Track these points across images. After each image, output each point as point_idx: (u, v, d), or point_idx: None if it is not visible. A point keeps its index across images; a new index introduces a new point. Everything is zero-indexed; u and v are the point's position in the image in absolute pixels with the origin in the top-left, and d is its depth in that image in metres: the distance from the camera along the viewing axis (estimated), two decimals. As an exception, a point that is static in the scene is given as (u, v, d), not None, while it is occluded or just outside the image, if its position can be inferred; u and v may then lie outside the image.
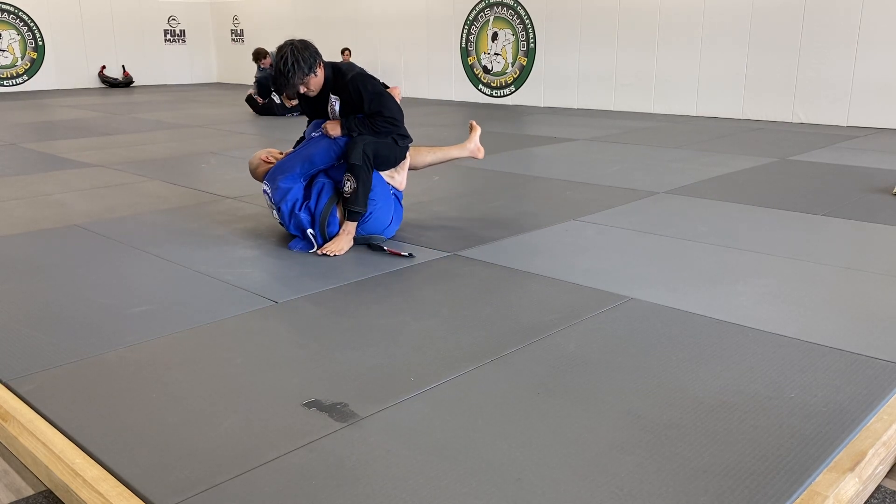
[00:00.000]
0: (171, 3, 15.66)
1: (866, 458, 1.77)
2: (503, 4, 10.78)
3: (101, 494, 1.67)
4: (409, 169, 3.96)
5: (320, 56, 3.50)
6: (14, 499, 1.82)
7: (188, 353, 2.42)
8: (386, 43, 12.47)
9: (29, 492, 1.85)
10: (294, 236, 3.60)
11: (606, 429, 1.90)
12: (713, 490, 1.64)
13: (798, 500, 1.61)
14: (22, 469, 1.95)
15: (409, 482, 1.68)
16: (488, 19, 11.03)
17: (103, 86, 14.67)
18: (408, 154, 3.86)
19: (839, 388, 2.10)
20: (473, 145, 4.14)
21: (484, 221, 4.07)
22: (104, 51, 14.72)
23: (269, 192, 3.61)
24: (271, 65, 9.99)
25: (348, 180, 3.47)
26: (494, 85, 11.18)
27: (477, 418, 1.96)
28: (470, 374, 2.22)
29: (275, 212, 3.62)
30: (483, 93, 11.35)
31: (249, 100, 10.00)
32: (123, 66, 14.94)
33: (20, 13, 13.71)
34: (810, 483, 1.67)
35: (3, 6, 13.53)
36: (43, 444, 1.88)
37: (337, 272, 3.21)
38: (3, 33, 13.58)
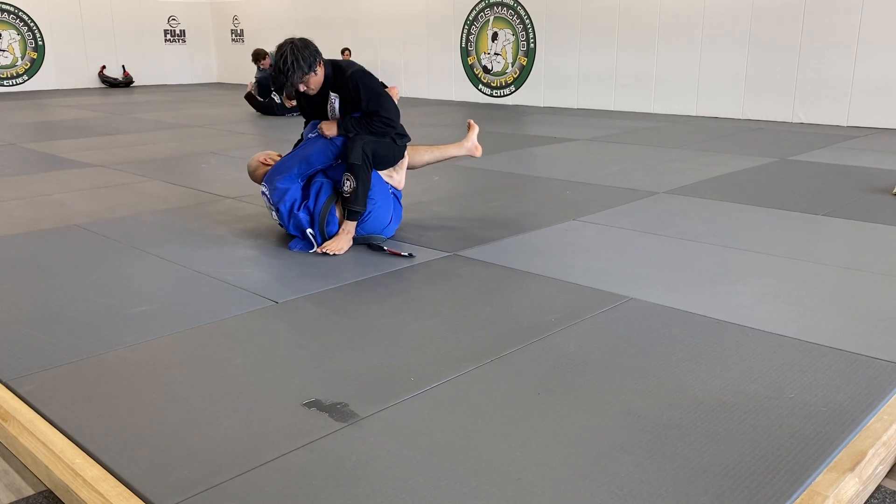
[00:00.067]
0: (171, 3, 15.66)
1: (866, 458, 1.77)
2: (503, 4, 10.78)
3: (101, 494, 1.67)
4: (408, 168, 3.96)
5: (320, 54, 3.50)
6: (14, 499, 1.83)
7: (188, 353, 2.42)
8: (386, 43, 12.47)
9: (29, 492, 1.85)
10: (294, 236, 3.60)
11: (606, 429, 1.90)
12: (713, 490, 1.64)
13: (798, 500, 1.61)
14: (22, 469, 1.95)
15: (409, 482, 1.68)
16: (488, 19, 11.03)
17: (103, 86, 14.67)
18: (406, 153, 3.86)
19: (839, 388, 2.10)
20: (471, 144, 4.14)
21: (484, 221, 4.07)
22: (104, 51, 14.72)
23: (267, 193, 3.61)
24: (271, 65, 10.02)
25: (348, 180, 3.47)
26: (494, 85, 11.18)
27: (477, 418, 1.96)
28: (470, 374, 2.22)
29: (274, 213, 3.63)
30: (483, 93, 11.35)
31: (249, 97, 10.00)
32: (123, 66, 14.94)
33: (20, 13, 13.71)
34: (810, 483, 1.67)
35: (3, 6, 13.53)
36: (43, 444, 1.88)
37: (337, 272, 3.21)
38: (3, 33, 13.58)
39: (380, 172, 3.71)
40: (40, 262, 3.41)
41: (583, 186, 4.97)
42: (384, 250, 3.47)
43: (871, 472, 1.78)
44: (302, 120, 3.95)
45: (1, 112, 10.24)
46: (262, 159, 3.86)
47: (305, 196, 3.57)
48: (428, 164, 4.17)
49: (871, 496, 1.81)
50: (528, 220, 4.10)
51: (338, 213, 3.57)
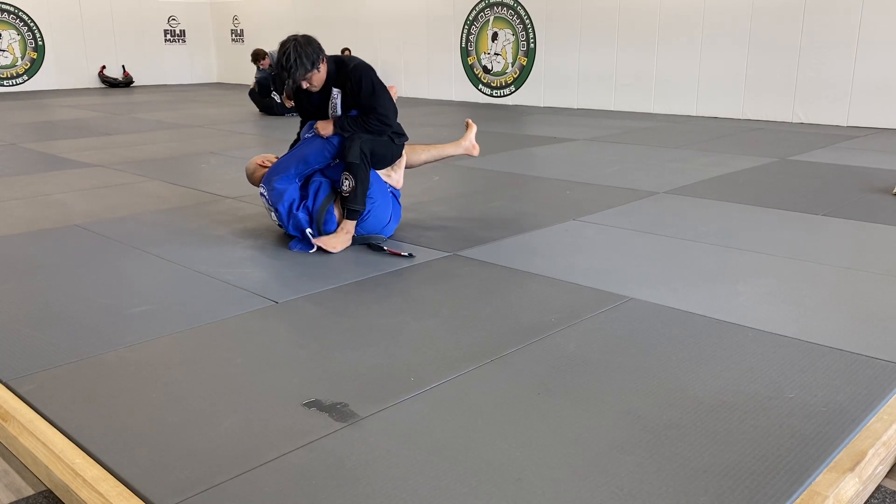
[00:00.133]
0: (171, 3, 15.65)
1: (866, 458, 1.77)
2: (503, 4, 10.78)
3: (101, 494, 1.67)
4: (405, 167, 3.96)
5: (323, 51, 3.49)
6: (14, 499, 1.83)
7: (188, 353, 2.42)
8: (386, 43, 12.47)
9: (29, 492, 1.85)
10: (294, 237, 3.60)
11: (606, 429, 1.90)
12: (713, 490, 1.64)
13: (798, 500, 1.61)
14: (22, 469, 1.95)
15: (409, 482, 1.68)
16: (488, 19, 11.03)
17: (103, 86, 14.67)
18: (403, 152, 3.86)
19: (839, 388, 2.10)
20: (469, 143, 4.15)
21: (484, 221, 4.07)
22: (104, 51, 14.71)
23: (265, 194, 3.61)
24: (270, 65, 10.02)
25: (346, 179, 3.48)
26: (494, 85, 11.18)
27: (477, 418, 1.96)
28: (470, 374, 2.22)
29: (273, 214, 3.63)
30: (483, 93, 11.35)
31: (252, 94, 10.01)
32: (123, 66, 14.93)
33: (20, 13, 13.71)
34: (810, 483, 1.67)
35: (3, 6, 13.53)
36: (43, 444, 1.88)
37: (337, 272, 3.21)
38: (3, 33, 13.57)
39: (378, 172, 3.71)
40: (40, 262, 3.41)
41: (583, 186, 4.97)
42: (384, 250, 3.47)
43: (871, 472, 1.78)
44: (300, 119, 3.95)
45: (1, 112, 10.24)
46: (259, 161, 3.87)
47: (304, 196, 3.57)
48: (425, 163, 4.17)
49: (871, 496, 1.81)
50: (528, 220, 4.10)
51: (336, 213, 3.58)
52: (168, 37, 15.70)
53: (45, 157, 6.45)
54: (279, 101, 9.61)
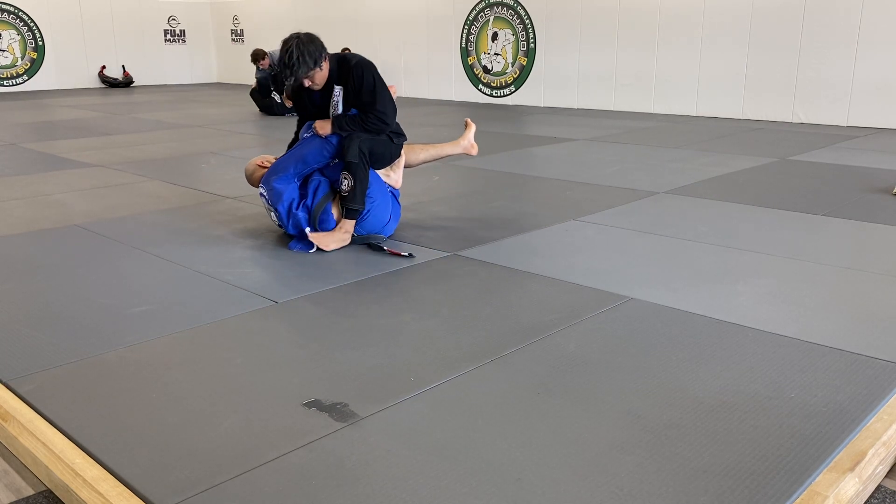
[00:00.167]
0: (171, 3, 15.65)
1: (866, 458, 1.77)
2: (503, 4, 10.78)
3: (101, 494, 1.67)
4: (404, 166, 3.97)
5: (325, 49, 3.48)
6: (14, 499, 1.83)
7: (188, 353, 2.42)
8: (386, 43, 12.46)
9: (29, 492, 1.85)
10: (293, 236, 3.60)
11: (606, 429, 1.90)
12: (713, 490, 1.64)
13: (798, 500, 1.61)
14: (22, 469, 1.95)
15: (409, 482, 1.68)
16: (488, 19, 11.03)
17: (103, 86, 14.67)
18: (402, 152, 3.87)
19: (839, 388, 2.10)
20: (467, 142, 4.15)
21: (484, 221, 4.07)
22: (104, 51, 14.71)
23: (265, 194, 3.61)
24: (270, 65, 10.01)
25: (345, 178, 3.48)
26: (494, 85, 11.18)
27: (477, 418, 1.96)
28: (470, 374, 2.22)
29: (273, 214, 3.63)
30: (483, 93, 11.35)
31: (253, 94, 10.01)
32: (123, 66, 14.93)
33: (20, 13, 13.71)
34: (810, 483, 1.67)
35: (3, 6, 13.53)
36: (43, 444, 1.88)
37: (337, 272, 3.21)
38: (3, 33, 13.57)
39: (377, 171, 3.71)
40: (40, 262, 3.41)
41: (583, 186, 4.97)
42: (384, 250, 3.47)
43: (871, 472, 1.78)
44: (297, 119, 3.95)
45: (1, 112, 10.24)
46: (258, 162, 3.87)
47: (303, 195, 3.58)
48: (424, 162, 4.17)
49: (871, 496, 1.81)
50: (528, 220, 4.10)
51: (335, 213, 3.57)
52: (168, 37, 15.70)
53: (45, 157, 6.45)
54: (279, 100, 9.60)
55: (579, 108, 10.15)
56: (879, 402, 2.02)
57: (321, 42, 3.46)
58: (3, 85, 13.68)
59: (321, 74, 3.47)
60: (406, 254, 3.42)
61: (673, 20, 8.99)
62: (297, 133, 3.84)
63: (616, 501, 1.61)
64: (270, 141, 7.35)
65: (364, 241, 3.59)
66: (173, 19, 15.73)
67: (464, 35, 11.39)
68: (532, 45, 10.56)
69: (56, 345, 2.47)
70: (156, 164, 6.04)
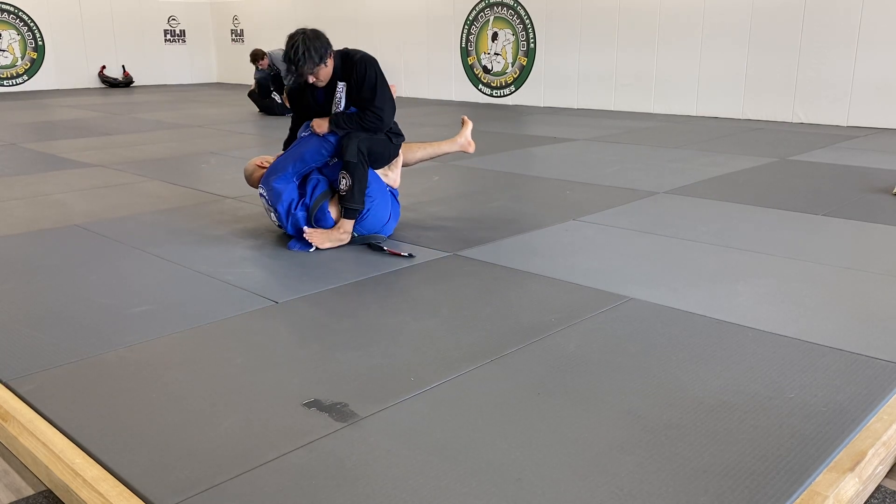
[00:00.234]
0: (171, 3, 15.65)
1: (866, 458, 1.77)
2: (503, 4, 10.78)
3: (101, 494, 1.67)
4: (401, 165, 3.97)
5: (331, 46, 3.48)
6: (14, 499, 1.83)
7: (188, 353, 2.42)
8: (386, 43, 12.46)
9: (29, 492, 1.85)
10: (293, 236, 3.60)
11: (606, 429, 1.90)
12: (713, 490, 1.64)
13: (798, 500, 1.61)
14: (22, 469, 1.95)
15: (409, 482, 1.68)
16: (488, 19, 11.03)
17: (103, 86, 14.67)
18: (400, 151, 3.87)
19: (839, 388, 2.10)
20: (464, 140, 4.16)
21: (484, 221, 4.07)
22: (104, 51, 14.71)
23: (264, 194, 3.61)
24: (269, 65, 10.01)
25: (344, 178, 3.48)
26: (494, 85, 11.18)
27: (477, 418, 1.96)
28: (470, 374, 2.22)
29: (272, 214, 3.63)
30: (483, 93, 11.35)
31: (252, 95, 10.00)
32: (123, 66, 14.93)
33: (20, 13, 13.71)
34: (810, 483, 1.67)
35: (3, 6, 13.53)
36: (43, 444, 1.88)
37: (337, 272, 3.21)
38: (3, 33, 13.57)
39: (375, 171, 3.72)
40: (40, 262, 3.41)
41: (583, 186, 4.97)
42: (384, 250, 3.47)
43: (871, 472, 1.78)
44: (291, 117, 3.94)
45: (1, 112, 10.24)
46: (258, 162, 3.87)
47: (302, 194, 3.58)
48: (421, 160, 4.18)
49: (871, 496, 1.81)
50: (528, 220, 4.10)
51: (333, 212, 3.57)
52: (168, 37, 15.70)
53: (45, 157, 6.45)
54: (279, 101, 9.60)
55: (579, 108, 10.15)
56: (879, 402, 2.02)
57: (326, 38, 3.45)
58: (3, 85, 13.68)
59: (326, 71, 3.47)
60: (406, 254, 3.42)
61: (673, 20, 8.99)
62: (291, 131, 3.84)
63: (616, 501, 1.61)
64: (270, 141, 7.35)
65: (364, 241, 3.59)
66: (173, 19, 15.73)
67: (464, 35, 11.39)
68: (532, 45, 10.56)
69: (56, 345, 2.47)
70: (156, 164, 6.04)
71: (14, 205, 4.61)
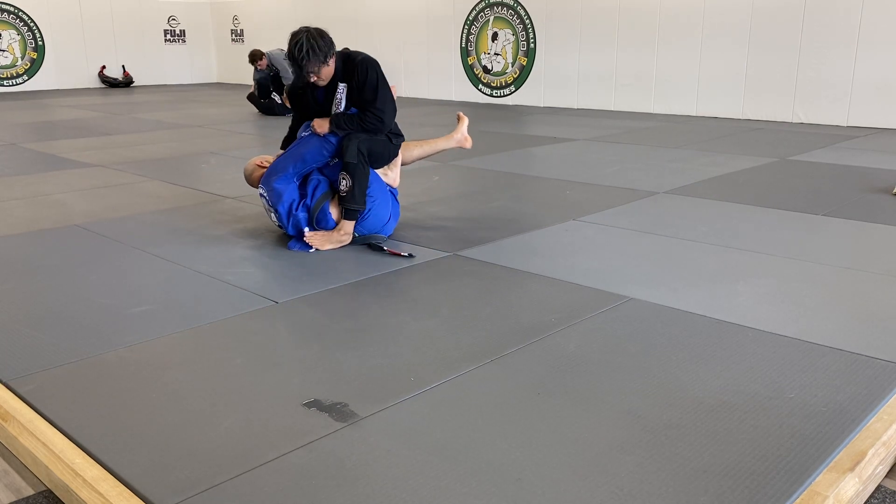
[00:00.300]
0: (171, 3, 15.65)
1: (866, 458, 1.77)
2: (503, 4, 10.78)
3: (101, 494, 1.67)
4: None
5: (334, 46, 3.49)
6: (14, 499, 1.83)
7: (188, 353, 2.42)
8: (386, 43, 12.46)
9: (29, 492, 1.85)
10: (293, 237, 3.60)
11: (606, 429, 1.90)
12: (713, 490, 1.64)
13: (798, 500, 1.61)
14: (22, 469, 1.95)
15: (409, 482, 1.68)
16: (488, 19, 11.03)
17: (103, 86, 14.66)
18: (399, 151, 3.87)
19: (839, 388, 2.10)
20: (461, 135, 4.16)
21: (484, 221, 4.07)
22: (104, 51, 14.71)
23: (265, 194, 3.61)
24: (268, 65, 9.99)
25: (344, 178, 3.48)
26: (494, 85, 11.18)
27: (477, 418, 1.96)
28: (470, 374, 2.22)
29: (273, 215, 3.63)
30: (483, 93, 11.35)
31: (251, 97, 10.00)
32: (123, 66, 14.93)
33: (20, 13, 13.71)
34: (810, 483, 1.67)
35: (3, 6, 13.53)
36: (43, 444, 1.88)
37: (337, 272, 3.21)
38: (3, 33, 13.57)
39: (375, 170, 3.72)
40: (40, 262, 3.41)
41: (583, 186, 4.97)
42: (384, 250, 3.47)
43: (871, 472, 1.78)
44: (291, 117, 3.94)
45: (1, 112, 10.24)
46: (258, 162, 3.87)
47: (303, 195, 3.57)
48: (419, 158, 4.18)
49: (871, 496, 1.81)
50: (528, 220, 4.10)
51: (334, 213, 3.57)
52: (168, 37, 15.70)
53: (45, 157, 6.45)
54: (279, 101, 9.60)
55: (579, 108, 10.15)
56: (879, 402, 2.02)
57: (330, 38, 3.45)
58: (3, 85, 13.68)
59: (328, 70, 3.47)
60: (406, 254, 3.42)
61: (673, 20, 8.99)
62: (291, 130, 3.84)
63: (616, 501, 1.61)
64: (270, 141, 7.35)
65: (364, 241, 3.59)
66: (173, 19, 15.73)
67: (464, 35, 11.39)
68: (532, 45, 10.56)
69: (56, 345, 2.47)
70: (156, 164, 6.04)
71: (14, 205, 4.61)
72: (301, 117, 3.78)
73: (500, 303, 2.82)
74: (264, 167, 3.79)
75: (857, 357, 2.30)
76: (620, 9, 9.45)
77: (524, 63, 10.72)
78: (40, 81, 14.04)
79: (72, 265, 3.35)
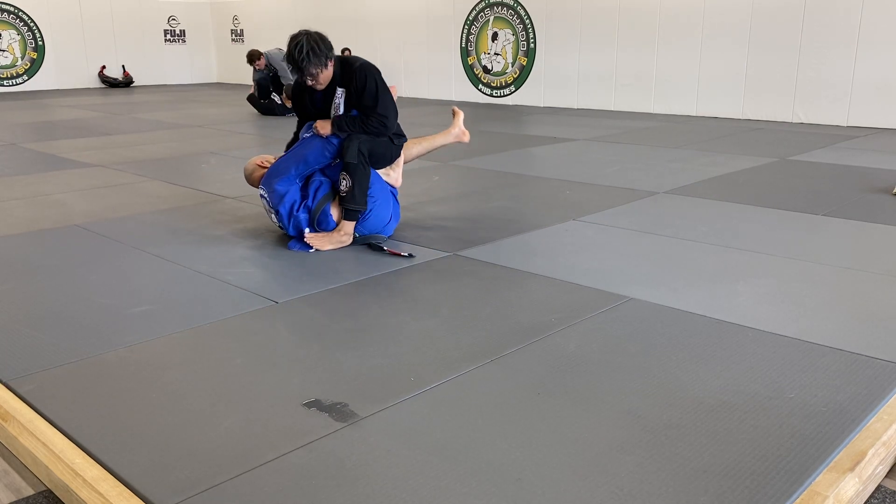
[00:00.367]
0: (171, 3, 15.66)
1: (866, 458, 1.77)
2: (503, 4, 10.78)
3: (101, 494, 1.67)
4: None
5: (333, 50, 3.49)
6: (14, 499, 1.83)
7: (188, 353, 2.42)
8: (386, 43, 12.47)
9: (29, 492, 1.85)
10: (293, 237, 3.60)
11: (606, 429, 1.90)
12: (713, 490, 1.64)
13: (798, 500, 1.61)
14: (22, 469, 1.95)
15: (409, 482, 1.68)
16: (488, 19, 11.03)
17: (103, 86, 14.67)
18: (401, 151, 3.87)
19: (839, 388, 2.10)
20: (458, 129, 4.17)
21: (484, 221, 4.07)
22: (104, 51, 14.71)
23: (266, 195, 3.61)
24: (267, 65, 9.99)
25: (344, 179, 3.48)
26: (494, 85, 11.18)
27: (477, 418, 1.96)
28: (470, 374, 2.22)
29: (273, 215, 3.63)
30: (483, 93, 11.35)
31: (251, 99, 10.00)
32: (123, 66, 14.93)
33: (20, 13, 13.71)
34: (810, 483, 1.67)
35: (3, 6, 13.53)
36: (43, 444, 1.88)
37: (337, 272, 3.21)
38: (3, 33, 13.57)
39: (376, 171, 3.72)
40: (40, 263, 3.41)
41: (583, 186, 4.97)
42: (384, 250, 3.47)
43: (871, 472, 1.78)
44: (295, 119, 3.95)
45: (1, 112, 10.24)
46: (258, 162, 3.87)
47: (304, 196, 3.57)
48: (418, 156, 4.18)
49: (871, 496, 1.81)
50: (528, 220, 4.10)
51: (335, 214, 3.57)
52: (168, 37, 15.70)
53: (45, 157, 6.45)
54: (279, 101, 9.59)
55: (579, 108, 10.16)
56: (879, 402, 2.02)
57: (329, 42, 3.46)
58: (3, 85, 13.68)
59: (326, 74, 3.47)
60: (406, 254, 3.42)
61: (673, 20, 8.99)
62: (296, 133, 3.84)
63: (616, 501, 1.61)
64: (270, 141, 7.35)
65: (364, 241, 3.59)
66: (173, 19, 15.73)
67: (464, 35, 11.39)
68: (532, 45, 10.56)
69: (56, 345, 2.47)
70: (156, 164, 6.04)
71: (14, 205, 4.61)
72: (302, 119, 3.79)
73: (500, 303, 2.82)
74: (265, 167, 3.79)
75: (857, 357, 2.30)
76: (620, 9, 9.45)
77: (524, 63, 10.72)
78: (40, 81, 14.04)
79: (72, 265, 3.35)
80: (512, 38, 10.80)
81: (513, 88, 10.96)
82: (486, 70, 11.23)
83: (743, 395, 2.07)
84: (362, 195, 3.50)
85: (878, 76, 7.60)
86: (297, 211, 3.53)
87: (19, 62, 13.83)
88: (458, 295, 2.92)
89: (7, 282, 3.15)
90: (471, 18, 11.25)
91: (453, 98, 11.71)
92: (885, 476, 1.89)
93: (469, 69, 11.45)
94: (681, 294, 2.88)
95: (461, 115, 4.22)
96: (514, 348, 2.39)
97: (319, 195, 3.56)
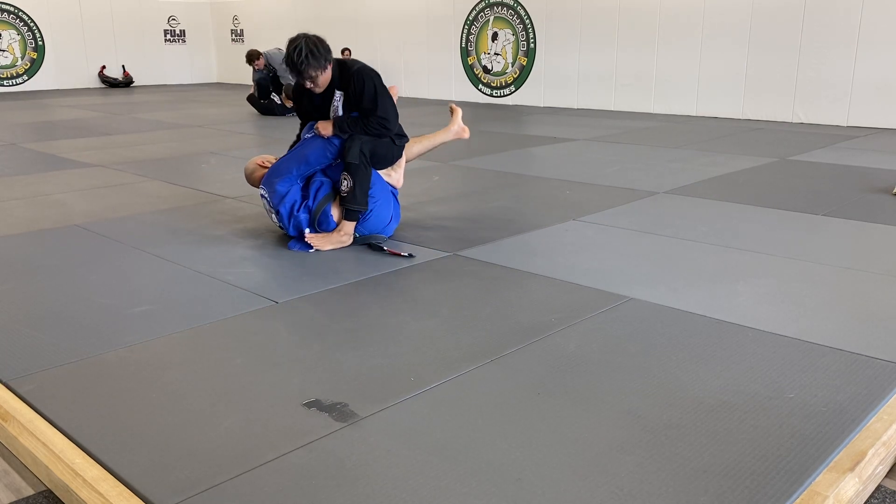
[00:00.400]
0: (171, 3, 15.65)
1: (866, 458, 1.77)
2: (503, 4, 10.78)
3: (101, 494, 1.67)
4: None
5: (331, 53, 3.49)
6: (14, 499, 1.83)
7: (188, 353, 2.42)
8: (386, 43, 12.47)
9: (29, 492, 1.85)
10: (293, 237, 3.60)
11: (606, 429, 1.90)
12: (713, 490, 1.64)
13: (798, 500, 1.61)
14: (22, 469, 1.95)
15: (409, 482, 1.68)
16: (488, 19, 11.03)
17: (103, 86, 14.67)
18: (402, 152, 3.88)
19: (839, 388, 2.10)
20: (457, 126, 4.18)
21: (484, 221, 4.07)
22: (104, 51, 14.71)
23: (266, 195, 3.61)
24: (266, 65, 9.98)
25: (345, 179, 3.48)
26: (494, 85, 11.18)
27: (477, 418, 1.96)
28: (470, 374, 2.22)
29: (274, 215, 3.63)
30: (483, 93, 11.35)
31: (251, 99, 10.00)
32: (123, 66, 14.93)
33: (20, 13, 13.71)
34: (810, 483, 1.67)
35: (3, 6, 13.53)
36: (43, 444, 1.88)
37: (337, 272, 3.21)
38: (3, 33, 13.57)
39: (378, 171, 3.72)
40: (40, 263, 3.41)
41: (583, 186, 4.97)
42: (384, 250, 3.47)
43: (871, 472, 1.78)
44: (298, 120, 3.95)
45: (1, 112, 10.24)
46: (259, 162, 3.86)
47: (305, 196, 3.57)
48: (419, 154, 4.19)
49: (871, 496, 1.81)
50: (528, 220, 4.10)
51: (335, 214, 3.57)
52: (168, 37, 15.70)
53: (45, 157, 6.45)
54: (279, 101, 9.59)
55: (579, 108, 10.16)
56: (879, 402, 2.02)
57: (328, 45, 3.46)
58: (3, 85, 13.68)
59: (324, 77, 3.47)
60: (406, 254, 3.42)
61: (673, 20, 8.99)
62: (299, 135, 3.83)
63: (616, 501, 1.61)
64: (270, 141, 7.35)
65: (365, 241, 3.59)
66: (173, 19, 15.73)
67: (464, 35, 11.39)
68: (532, 45, 10.56)
69: (56, 345, 2.47)
70: (156, 164, 6.04)
71: (14, 205, 4.61)
72: (303, 120, 3.79)
73: (500, 303, 2.82)
74: (265, 167, 3.79)
75: (857, 357, 2.30)
76: (620, 9, 9.45)
77: (524, 63, 10.72)
78: (40, 81, 14.04)
79: (72, 265, 3.35)
80: (512, 38, 10.80)
81: (513, 88, 10.96)
82: (486, 70, 11.23)
83: (743, 395, 2.07)
84: (363, 196, 3.50)
85: (878, 76, 7.60)
86: (298, 211, 3.53)
87: (19, 62, 13.83)
88: (458, 295, 2.92)
89: (7, 282, 3.15)
90: (471, 18, 11.25)
91: (453, 98, 11.70)
92: (885, 476, 1.89)
93: (469, 69, 11.45)
94: (681, 294, 2.88)
95: (459, 112, 4.23)
96: (514, 348, 2.39)
97: (320, 195, 3.56)
